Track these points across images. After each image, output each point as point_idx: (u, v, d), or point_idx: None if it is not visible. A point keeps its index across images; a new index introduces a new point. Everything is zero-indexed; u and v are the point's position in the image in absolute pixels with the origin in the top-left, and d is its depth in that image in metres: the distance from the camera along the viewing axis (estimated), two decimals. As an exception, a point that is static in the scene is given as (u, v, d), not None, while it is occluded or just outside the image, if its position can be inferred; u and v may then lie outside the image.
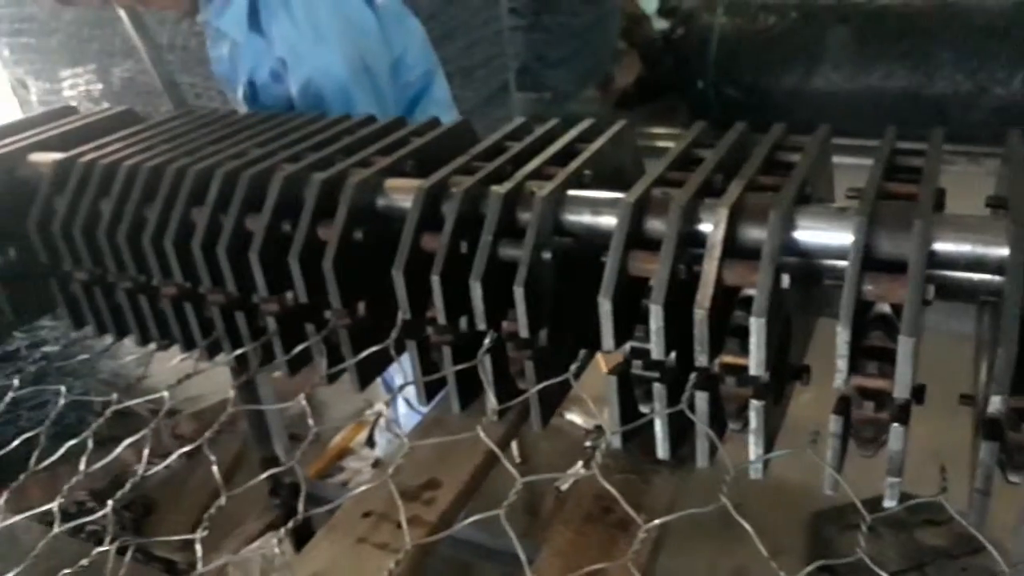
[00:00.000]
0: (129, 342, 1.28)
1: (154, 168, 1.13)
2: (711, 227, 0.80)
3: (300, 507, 0.82)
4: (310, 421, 0.89)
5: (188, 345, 1.17)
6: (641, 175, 0.92)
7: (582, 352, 0.93)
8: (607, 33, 5.43)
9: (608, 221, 0.87)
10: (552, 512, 2.24)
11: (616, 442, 0.87)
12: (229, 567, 1.91)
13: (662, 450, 0.86)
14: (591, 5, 5.07)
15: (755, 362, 0.76)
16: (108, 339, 1.29)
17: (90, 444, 0.93)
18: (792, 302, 0.84)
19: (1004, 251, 0.73)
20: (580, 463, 2.59)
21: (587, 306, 0.83)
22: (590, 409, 2.70)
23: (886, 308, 0.80)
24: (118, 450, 0.94)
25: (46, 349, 2.90)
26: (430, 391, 1.01)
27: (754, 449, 0.81)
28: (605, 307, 0.81)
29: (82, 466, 0.92)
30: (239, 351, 1.08)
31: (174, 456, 0.93)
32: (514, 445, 2.70)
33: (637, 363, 0.86)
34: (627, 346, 0.87)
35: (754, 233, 0.80)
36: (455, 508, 1.29)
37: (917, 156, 0.93)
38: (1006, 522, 1.01)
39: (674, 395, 0.82)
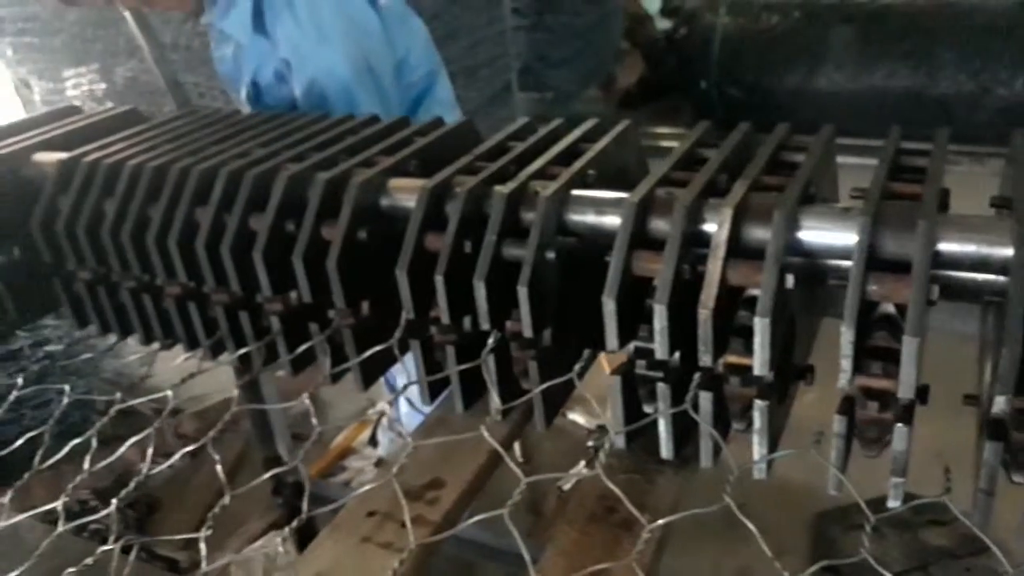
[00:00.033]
0: (132, 341, 1.28)
1: (158, 168, 1.13)
2: (715, 227, 0.80)
3: (305, 506, 0.82)
4: (314, 420, 0.89)
5: (192, 344, 1.17)
6: (645, 175, 0.92)
7: (586, 352, 0.93)
8: (610, 33, 5.42)
9: (612, 221, 0.87)
10: (555, 512, 2.25)
11: (620, 442, 0.87)
12: (232, 566, 1.91)
13: (666, 450, 0.86)
14: (594, 5, 5.07)
15: (759, 362, 0.76)
16: (111, 338, 1.29)
17: (94, 443, 0.93)
18: (796, 302, 0.84)
19: (1009, 251, 0.73)
20: (583, 463, 2.59)
21: (591, 306, 0.83)
22: (592, 409, 2.71)
23: (890, 308, 0.80)
24: (122, 449, 0.94)
25: (49, 348, 2.91)
26: (433, 391, 1.01)
27: (758, 449, 0.80)
28: (609, 307, 0.81)
29: (86, 465, 0.92)
30: (243, 350, 1.08)
31: (178, 455, 0.93)
32: (516, 445, 2.70)
33: (641, 363, 0.86)
34: (631, 346, 0.87)
35: (758, 233, 0.80)
36: (459, 508, 1.29)
37: (921, 156, 0.93)
38: (1010, 523, 1.01)
39: (678, 395, 0.82)
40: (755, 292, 0.76)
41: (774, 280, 0.75)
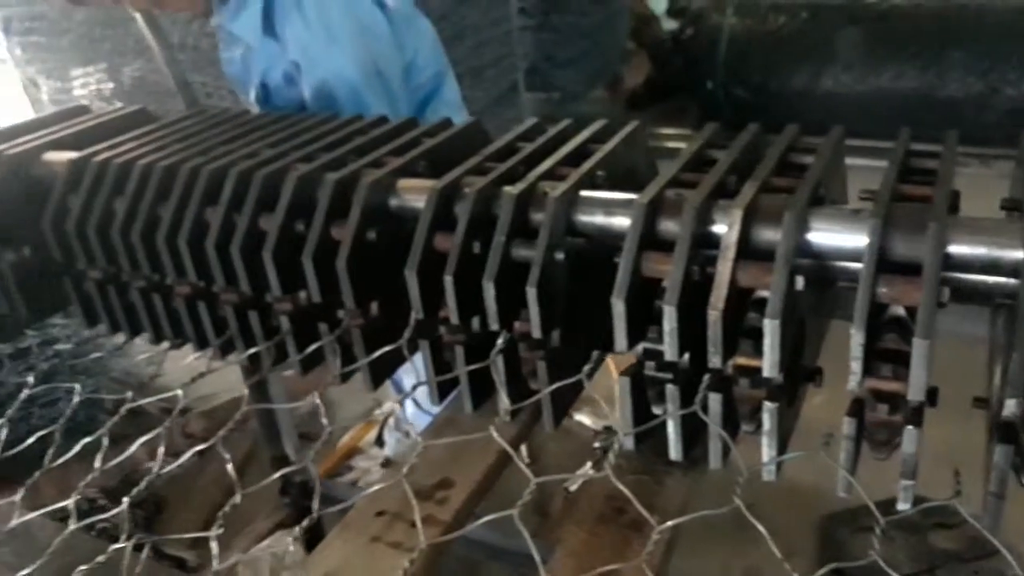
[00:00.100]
0: (140, 341, 1.28)
1: (168, 167, 1.14)
2: (725, 228, 0.80)
3: (315, 506, 0.83)
4: (324, 420, 0.89)
5: (201, 344, 1.18)
6: (654, 176, 0.92)
7: (595, 353, 0.93)
8: (616, 33, 5.43)
9: (621, 222, 0.87)
10: (562, 512, 2.25)
11: (629, 443, 0.87)
12: (239, 566, 1.92)
13: (675, 451, 0.86)
14: (600, 5, 5.07)
15: (769, 364, 0.76)
16: (119, 338, 1.29)
17: (105, 441, 0.93)
18: (806, 304, 0.84)
19: (1019, 254, 0.73)
20: (589, 464, 2.59)
21: (600, 307, 0.83)
22: (599, 410, 2.71)
23: (900, 311, 0.80)
24: (132, 448, 0.94)
25: (58, 347, 2.92)
26: (442, 391, 1.02)
27: (767, 451, 0.81)
28: (618, 308, 0.81)
29: (97, 463, 0.92)
30: (252, 350, 1.09)
31: (188, 454, 0.94)
32: (523, 446, 2.70)
33: (650, 364, 0.86)
34: (640, 347, 0.87)
35: (768, 235, 0.80)
36: (468, 507, 1.29)
37: (931, 158, 0.93)
38: (1020, 526, 1.01)
39: (687, 396, 0.82)
40: (765, 294, 0.76)
41: (784, 282, 0.75)
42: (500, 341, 0.91)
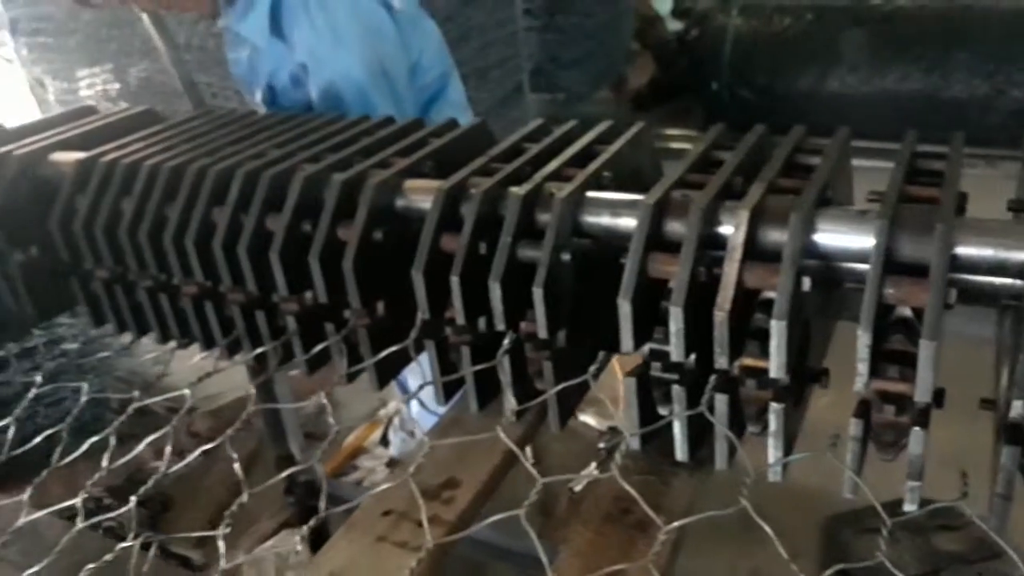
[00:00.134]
0: (146, 340, 1.29)
1: (175, 168, 1.14)
2: (731, 229, 0.80)
3: (322, 505, 0.83)
4: (331, 420, 0.89)
5: (208, 344, 1.18)
6: (659, 177, 0.92)
7: (601, 354, 0.93)
8: (621, 34, 5.43)
9: (627, 223, 0.87)
10: (567, 513, 2.25)
11: (635, 444, 0.88)
12: (244, 565, 1.92)
13: (681, 452, 0.86)
14: (605, 6, 5.07)
15: (775, 365, 0.76)
16: (125, 337, 1.30)
17: (112, 441, 0.94)
18: (812, 305, 0.84)
19: (1026, 255, 0.73)
20: (594, 464, 2.59)
21: (606, 308, 0.83)
22: (604, 411, 2.71)
23: (907, 312, 0.80)
24: (140, 447, 0.95)
25: (64, 346, 2.92)
26: (448, 391, 1.02)
27: (774, 452, 0.81)
28: (625, 309, 0.82)
29: (104, 462, 0.92)
30: (259, 350, 1.09)
31: (195, 454, 0.94)
32: (527, 446, 2.70)
33: (656, 365, 0.86)
34: (646, 348, 0.87)
35: (775, 236, 0.80)
36: (474, 507, 1.29)
37: (936, 160, 0.93)
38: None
39: (693, 397, 0.82)
40: (771, 295, 0.76)
41: (791, 283, 0.75)
42: (506, 341, 0.91)
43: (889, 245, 0.75)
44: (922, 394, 0.71)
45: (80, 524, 0.88)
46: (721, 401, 0.80)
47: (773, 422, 0.79)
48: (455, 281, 0.90)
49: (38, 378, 1.11)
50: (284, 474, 1.04)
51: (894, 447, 0.80)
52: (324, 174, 1.04)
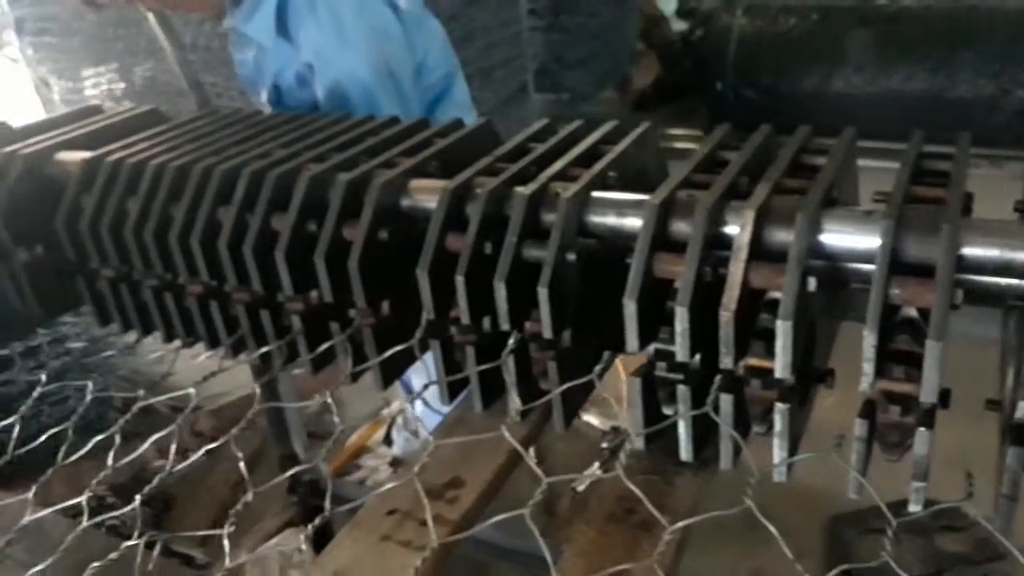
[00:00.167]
0: (150, 340, 1.29)
1: (180, 167, 1.14)
2: (737, 229, 0.80)
3: (327, 504, 0.83)
4: (336, 419, 0.89)
5: (213, 343, 1.18)
6: (664, 177, 0.92)
7: (606, 353, 0.93)
8: (625, 34, 5.43)
9: (633, 223, 0.87)
10: (569, 512, 2.25)
11: (639, 444, 0.88)
12: (247, 564, 1.92)
13: (685, 452, 0.86)
14: (609, 6, 5.08)
15: (781, 365, 0.76)
16: (129, 337, 1.30)
17: (118, 439, 0.94)
18: (818, 305, 0.84)
19: (1033, 256, 0.72)
20: (596, 464, 2.59)
21: (611, 307, 0.83)
22: (607, 410, 2.71)
23: (912, 312, 0.80)
24: (145, 446, 0.95)
25: (68, 345, 2.93)
26: (452, 390, 1.02)
27: (779, 452, 0.80)
28: (630, 309, 0.81)
29: (110, 461, 0.93)
30: (264, 349, 1.09)
31: (200, 453, 0.94)
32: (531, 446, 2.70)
33: (661, 365, 0.86)
34: (651, 348, 0.87)
35: (781, 236, 0.79)
36: (478, 507, 1.29)
37: (943, 160, 0.92)
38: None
39: (698, 397, 0.82)
40: (777, 295, 0.76)
41: (796, 283, 0.75)
42: (511, 341, 0.91)
43: (895, 245, 0.74)
44: (928, 395, 0.71)
45: (85, 522, 0.89)
46: (726, 401, 0.80)
47: (778, 422, 0.79)
48: (460, 281, 0.90)
49: (43, 377, 1.11)
50: (288, 473, 1.04)
51: (899, 448, 0.80)
52: (329, 174, 1.04)
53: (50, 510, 0.95)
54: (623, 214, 0.89)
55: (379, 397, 3.07)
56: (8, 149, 1.29)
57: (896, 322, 0.79)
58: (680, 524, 0.75)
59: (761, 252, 0.79)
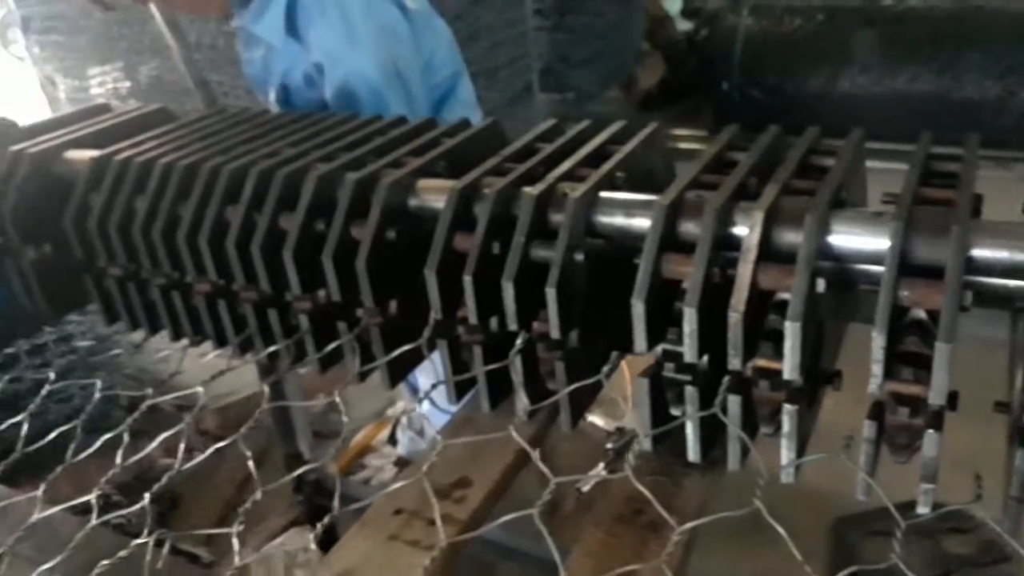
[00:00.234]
0: (156, 338, 1.29)
1: (189, 166, 1.14)
2: (746, 230, 0.80)
3: (336, 504, 0.83)
4: (344, 418, 0.90)
5: (220, 342, 1.18)
6: (671, 178, 0.92)
7: (613, 354, 0.93)
8: (631, 34, 5.43)
9: (641, 223, 0.87)
10: (574, 512, 2.25)
11: (647, 444, 0.88)
12: (252, 563, 1.93)
13: (693, 453, 0.86)
14: (615, 6, 5.07)
15: (789, 366, 0.76)
16: (136, 335, 1.30)
17: (126, 438, 0.94)
18: (826, 306, 0.84)
19: (1042, 258, 0.72)
20: (601, 464, 2.58)
21: (619, 308, 0.83)
22: (612, 411, 2.71)
23: (921, 314, 0.80)
24: (153, 444, 0.95)
25: (74, 344, 2.94)
26: (460, 390, 1.02)
27: (787, 453, 0.80)
28: (638, 309, 0.81)
29: (118, 459, 0.93)
30: (271, 348, 1.09)
31: (208, 452, 0.94)
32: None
33: (669, 366, 0.86)
34: (659, 348, 0.87)
35: (789, 237, 0.80)
36: (486, 507, 1.30)
37: (952, 161, 0.92)
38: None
39: (706, 398, 0.82)
40: (785, 296, 0.76)
41: (805, 284, 0.75)
42: (519, 341, 0.91)
43: (904, 247, 0.74)
44: (936, 396, 0.71)
45: (94, 520, 0.89)
46: (734, 402, 0.80)
47: (786, 424, 0.79)
48: (468, 281, 0.90)
49: (51, 375, 1.11)
50: (296, 472, 1.04)
51: (907, 449, 0.80)
52: (337, 173, 1.04)
53: (59, 508, 0.95)
54: (631, 214, 0.89)
55: (383, 396, 3.07)
56: (16, 148, 1.29)
57: (905, 324, 0.79)
58: (689, 525, 0.75)
59: (770, 253, 0.79)
